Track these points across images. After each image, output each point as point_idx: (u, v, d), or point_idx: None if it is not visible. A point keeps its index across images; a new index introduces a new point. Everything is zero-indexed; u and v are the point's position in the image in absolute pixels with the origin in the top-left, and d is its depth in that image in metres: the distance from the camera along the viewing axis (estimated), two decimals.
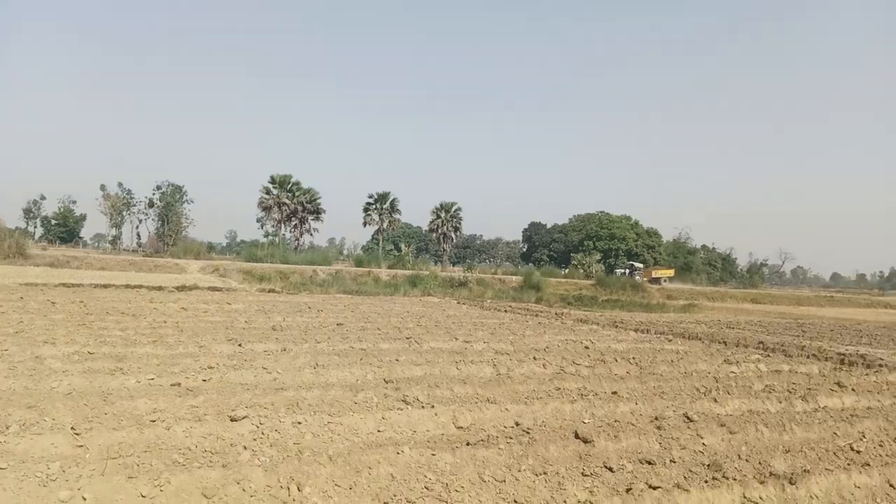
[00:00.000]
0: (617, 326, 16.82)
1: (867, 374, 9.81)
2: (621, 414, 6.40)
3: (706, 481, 4.57)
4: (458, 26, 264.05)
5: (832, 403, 7.61)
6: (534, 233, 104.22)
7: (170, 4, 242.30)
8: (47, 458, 4.01)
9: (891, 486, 5.01)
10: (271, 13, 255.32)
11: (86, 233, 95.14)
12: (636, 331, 15.69)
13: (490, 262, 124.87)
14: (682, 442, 5.47)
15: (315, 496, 3.84)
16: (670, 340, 13.68)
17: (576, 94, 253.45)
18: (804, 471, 4.91)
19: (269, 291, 24.68)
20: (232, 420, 5.04)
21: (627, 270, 67.02)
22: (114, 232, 79.93)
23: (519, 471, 4.50)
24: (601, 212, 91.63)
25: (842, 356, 11.92)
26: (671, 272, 69.55)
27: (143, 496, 3.62)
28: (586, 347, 11.23)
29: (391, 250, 76.87)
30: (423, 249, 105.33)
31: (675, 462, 4.97)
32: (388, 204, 71.60)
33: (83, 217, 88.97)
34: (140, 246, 74.14)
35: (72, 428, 4.60)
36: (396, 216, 73.56)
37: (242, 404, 5.58)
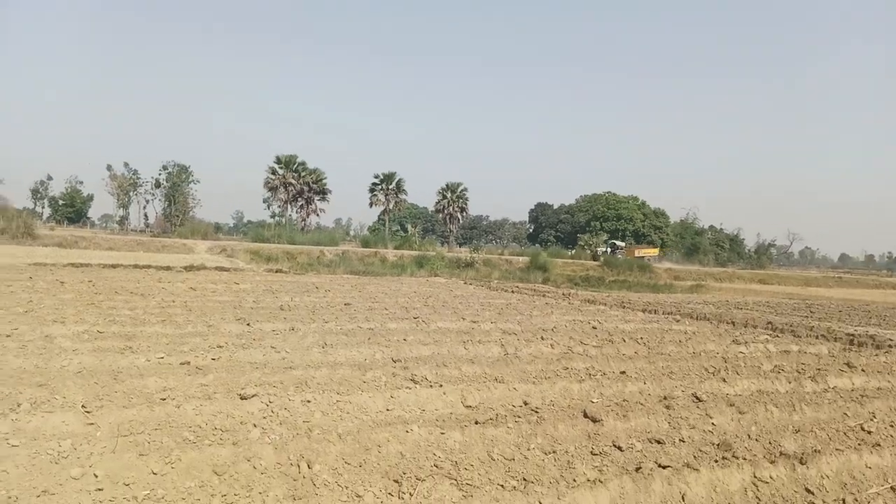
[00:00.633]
0: (624, 307, 16.79)
1: (877, 355, 9.76)
2: (630, 393, 6.39)
3: (716, 461, 4.56)
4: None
5: (842, 384, 7.58)
6: (540, 213, 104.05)
7: None
8: (59, 436, 4.03)
9: None
10: None
11: (93, 213, 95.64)
12: (644, 311, 15.66)
13: (496, 242, 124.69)
14: (692, 422, 5.46)
15: (325, 474, 3.84)
16: (678, 321, 13.65)
17: (583, 75, 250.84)
18: (815, 451, 4.89)
19: (276, 272, 24.74)
20: (242, 398, 5.06)
21: (609, 249, 64.57)
22: (121, 212, 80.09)
23: (528, 449, 4.50)
24: (608, 192, 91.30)
25: (851, 337, 11.86)
26: (656, 251, 66.86)
27: (154, 473, 3.64)
28: (594, 328, 11.21)
29: (397, 231, 76.94)
30: (429, 230, 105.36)
31: (684, 441, 4.96)
32: (394, 184, 71.51)
33: (90, 197, 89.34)
34: (148, 226, 74.35)
35: (83, 406, 4.62)
36: (402, 197, 73.56)
37: (252, 383, 5.59)
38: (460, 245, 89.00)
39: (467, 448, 4.43)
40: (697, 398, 6.25)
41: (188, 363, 6.29)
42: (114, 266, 20.72)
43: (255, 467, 3.83)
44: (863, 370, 8.30)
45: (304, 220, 69.19)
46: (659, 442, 4.85)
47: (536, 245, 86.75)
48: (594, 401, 6.02)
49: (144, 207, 76.85)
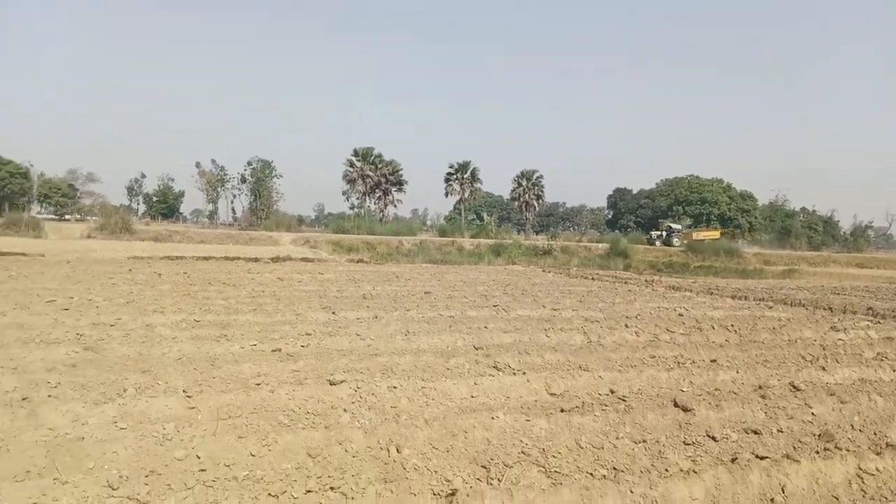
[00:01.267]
0: (712, 293, 16.16)
1: None
2: (722, 382, 6.16)
3: (817, 452, 4.33)
4: None
5: None
6: (619, 199, 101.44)
7: None
8: (163, 419, 4.28)
9: None
10: None
11: (185, 208, 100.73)
12: (733, 297, 15.02)
13: (574, 229, 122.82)
14: (790, 412, 5.21)
15: (414, 458, 3.91)
16: (770, 307, 13.02)
17: (658, 56, 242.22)
18: None
19: (357, 262, 25.33)
20: (331, 384, 5.21)
21: (665, 233, 59.68)
22: (210, 207, 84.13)
23: (617, 438, 4.42)
24: (691, 175, 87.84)
25: None
26: (717, 234, 59.32)
27: (252, 455, 3.80)
28: (680, 315, 10.86)
29: (473, 220, 77.13)
30: (505, 218, 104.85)
31: (782, 432, 4.74)
32: (468, 173, 71.57)
33: (182, 193, 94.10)
34: (235, 220, 77.63)
35: (183, 391, 4.89)
36: (478, 185, 73.50)
37: (340, 369, 5.76)
38: (537, 233, 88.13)
39: (554, 436, 4.40)
40: (795, 387, 5.95)
41: (279, 350, 6.54)
42: (206, 258, 21.78)
43: (346, 451, 3.94)
44: None
45: (381, 210, 70.46)
46: (755, 432, 4.66)
47: (616, 231, 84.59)
48: (684, 390, 5.83)
49: (232, 202, 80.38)
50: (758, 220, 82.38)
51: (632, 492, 3.65)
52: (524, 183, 74.38)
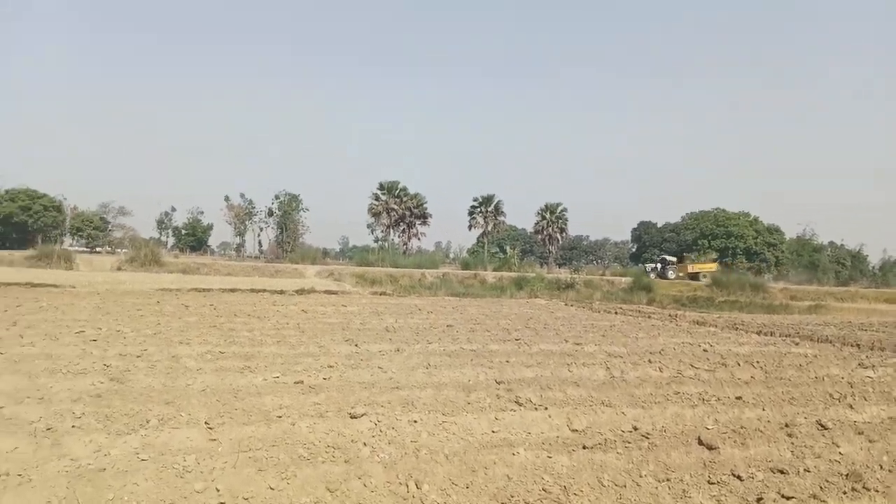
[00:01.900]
0: (737, 328, 15.90)
1: None
2: (747, 420, 6.05)
3: (845, 492, 4.24)
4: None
5: None
6: (643, 232, 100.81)
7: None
8: (184, 451, 4.33)
9: None
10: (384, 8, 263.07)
11: (213, 241, 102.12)
12: (759, 333, 14.76)
13: (597, 263, 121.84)
14: (817, 450, 5.11)
15: (433, 494, 3.90)
16: (797, 343, 12.77)
17: (680, 90, 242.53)
18: None
19: (380, 294, 25.43)
20: (352, 417, 5.24)
21: (659, 265, 57.34)
22: (238, 240, 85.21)
23: (640, 476, 4.36)
24: (717, 208, 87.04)
25: None
26: (713, 266, 55.97)
27: (271, 488, 3.83)
28: (705, 350, 10.71)
29: (496, 253, 77.01)
30: (528, 251, 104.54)
31: (809, 471, 4.64)
32: (492, 206, 71.87)
33: (210, 227, 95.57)
34: (262, 253, 78.51)
35: (206, 423, 4.95)
36: (501, 218, 73.68)
37: (361, 402, 5.78)
38: (560, 266, 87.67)
39: (576, 473, 4.36)
40: (822, 425, 5.83)
41: (301, 382, 6.59)
42: (232, 290, 22.03)
43: (365, 485, 3.95)
44: None
45: (405, 243, 70.88)
46: (781, 472, 4.57)
47: (639, 265, 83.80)
48: (709, 427, 5.74)
49: (259, 235, 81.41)
50: (785, 255, 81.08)
51: None
52: (548, 216, 74.41)
